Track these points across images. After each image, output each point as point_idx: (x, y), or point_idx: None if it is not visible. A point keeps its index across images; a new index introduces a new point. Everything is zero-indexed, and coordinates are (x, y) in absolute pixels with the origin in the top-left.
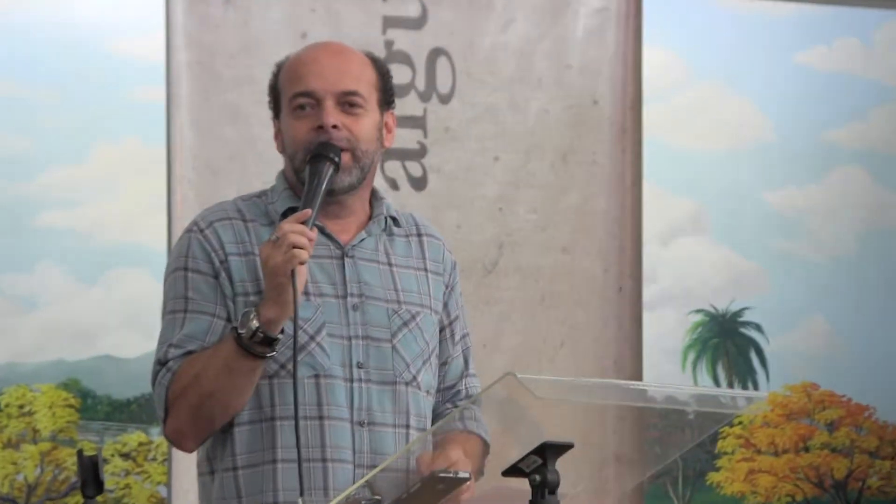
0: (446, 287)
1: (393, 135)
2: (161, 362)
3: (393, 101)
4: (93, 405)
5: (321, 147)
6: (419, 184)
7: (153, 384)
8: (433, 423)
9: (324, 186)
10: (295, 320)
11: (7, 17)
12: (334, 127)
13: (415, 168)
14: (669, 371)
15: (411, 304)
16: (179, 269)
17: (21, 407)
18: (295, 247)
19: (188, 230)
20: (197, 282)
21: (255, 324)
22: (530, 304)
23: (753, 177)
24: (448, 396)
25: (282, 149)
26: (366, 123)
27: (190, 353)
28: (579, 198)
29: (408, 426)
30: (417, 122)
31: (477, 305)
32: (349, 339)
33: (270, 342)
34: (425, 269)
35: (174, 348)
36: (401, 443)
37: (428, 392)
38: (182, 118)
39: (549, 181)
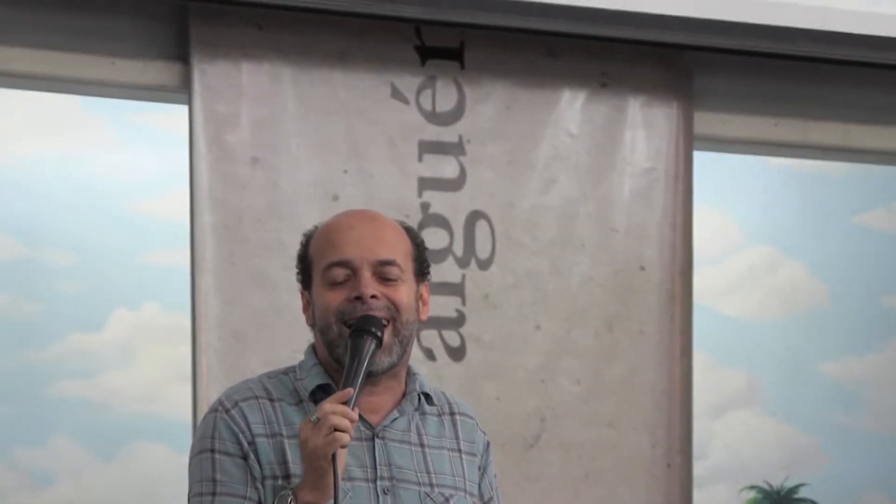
0: (480, 469)
1: (428, 308)
2: None
3: (428, 273)
4: None
5: (362, 321)
6: (457, 354)
7: None
8: None
9: (365, 363)
10: (336, 496)
11: (22, 175)
12: (373, 297)
13: (452, 337)
14: None
15: (444, 486)
16: (206, 450)
17: None
18: (336, 429)
19: (213, 410)
20: (225, 463)
21: None
22: (574, 481)
23: (809, 346)
24: None
25: (311, 322)
26: (405, 292)
27: None
28: (625, 368)
29: None
30: (455, 289)
31: (518, 482)
32: None
33: None
34: (459, 450)
35: None
36: None
37: None
38: (207, 284)
39: (594, 351)
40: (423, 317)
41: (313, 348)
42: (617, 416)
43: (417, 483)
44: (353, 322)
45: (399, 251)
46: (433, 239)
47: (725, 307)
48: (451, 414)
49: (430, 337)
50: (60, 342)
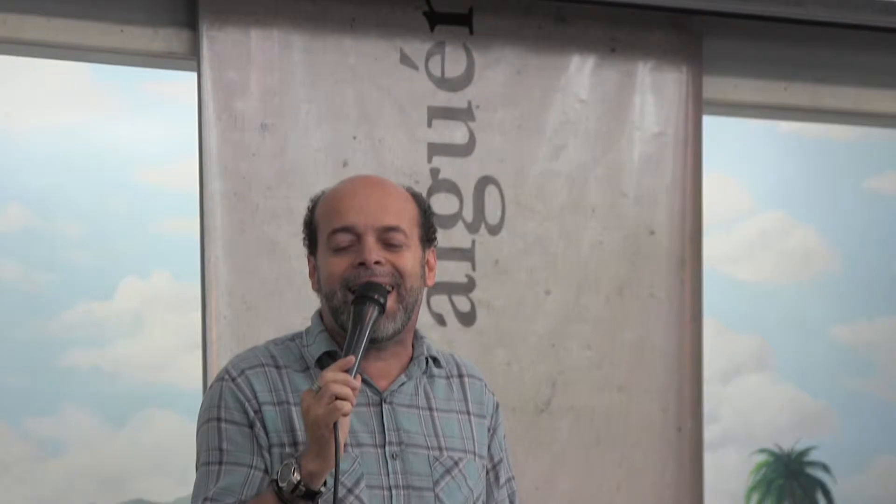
0: (489, 430)
1: (434, 273)
2: None
3: (435, 239)
4: None
5: (365, 288)
6: (467, 319)
7: None
8: None
9: (368, 331)
10: (336, 474)
11: (32, 145)
12: (377, 263)
13: (462, 303)
14: None
15: (454, 449)
16: (212, 419)
17: None
18: (338, 398)
19: (220, 378)
20: (231, 433)
21: (296, 477)
22: (585, 445)
23: (820, 310)
24: None
25: (317, 287)
26: (409, 258)
27: None
28: (636, 333)
29: None
30: (465, 255)
31: (529, 447)
32: (389, 489)
33: (312, 496)
34: (468, 412)
35: (210, 502)
36: None
37: None
38: (217, 252)
39: (604, 316)
40: (430, 283)
41: (320, 314)
42: (627, 380)
43: (426, 447)
44: (356, 288)
45: (404, 217)
46: (443, 205)
47: (736, 272)
48: (460, 376)
49: (440, 302)
50: (71, 311)
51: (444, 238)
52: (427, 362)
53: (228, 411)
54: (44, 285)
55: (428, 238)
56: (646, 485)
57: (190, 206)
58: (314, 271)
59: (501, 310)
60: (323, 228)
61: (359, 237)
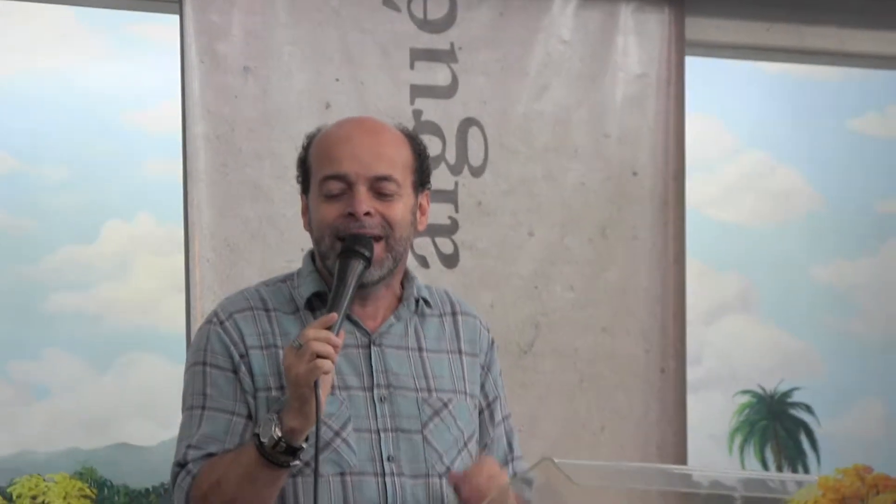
0: (483, 368)
1: (427, 217)
2: (180, 464)
3: (428, 182)
4: (109, 495)
5: (352, 241)
6: (450, 261)
7: (173, 486)
8: None
9: (352, 287)
10: (317, 434)
11: (11, 88)
12: (367, 214)
13: (446, 245)
14: (715, 455)
15: (443, 390)
16: (198, 363)
17: (34, 498)
18: (319, 356)
19: (208, 321)
20: (216, 377)
21: (277, 433)
22: (568, 387)
23: (803, 251)
24: None
25: (308, 227)
26: (400, 208)
27: (210, 455)
28: (619, 275)
29: None
30: (448, 196)
31: (512, 389)
32: (377, 432)
33: (294, 451)
34: (459, 351)
35: (193, 450)
36: None
37: None
38: (200, 194)
39: (588, 257)
40: (421, 227)
41: (311, 255)
42: (611, 322)
43: (415, 389)
44: (344, 237)
45: (398, 165)
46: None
47: (719, 213)
48: (453, 314)
49: (423, 244)
50: (54, 255)
51: None
52: (417, 303)
53: (214, 356)
54: (27, 229)
55: (422, 182)
56: (629, 426)
57: (173, 149)
58: (306, 210)
59: (485, 251)
60: (315, 172)
61: (350, 186)
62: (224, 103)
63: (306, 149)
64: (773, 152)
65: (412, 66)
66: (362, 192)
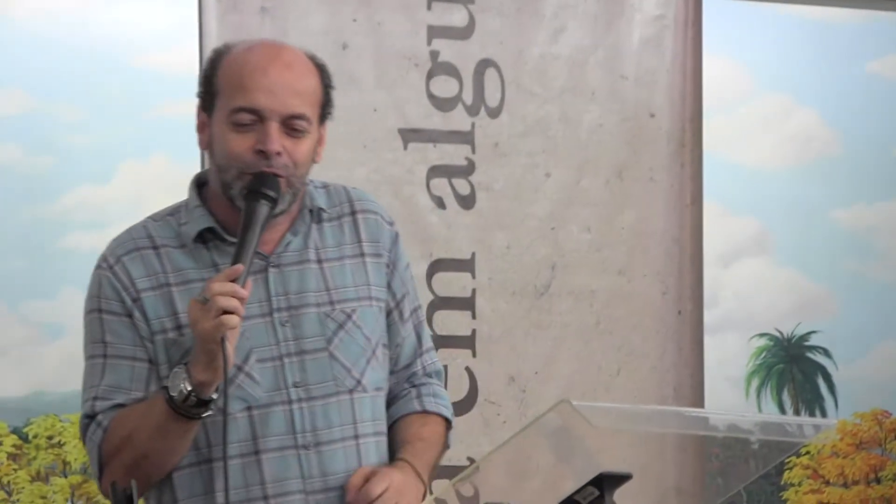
0: (388, 266)
1: (324, 147)
2: (89, 416)
3: (330, 114)
4: None
5: (260, 181)
6: (467, 202)
7: (83, 438)
8: (391, 406)
9: (258, 235)
10: (225, 388)
11: (28, 28)
12: (277, 154)
13: (462, 186)
14: (732, 399)
15: (346, 301)
16: (94, 310)
17: (50, 438)
18: (225, 311)
19: (98, 266)
20: (112, 324)
21: (187, 387)
22: (585, 329)
23: (821, 194)
24: (405, 377)
25: (208, 148)
26: (306, 147)
27: (118, 405)
28: (636, 217)
29: (356, 437)
30: (465, 137)
31: (528, 330)
32: (280, 358)
33: (206, 403)
34: (361, 254)
35: (101, 401)
36: (351, 457)
37: (378, 390)
38: None
39: (604, 199)
40: (318, 159)
41: (197, 183)
42: (627, 264)
43: (316, 304)
44: (251, 174)
45: (310, 101)
46: (442, 87)
47: (736, 155)
48: (352, 213)
49: (440, 185)
50: (70, 195)
51: (443, 121)
52: (311, 213)
53: (107, 301)
54: (43, 168)
55: (325, 115)
56: (645, 368)
57: (189, 90)
58: (205, 128)
59: (501, 193)
60: (226, 98)
61: (262, 120)
62: None
63: (214, 64)
64: (791, 95)
65: (429, 7)
66: (274, 128)
